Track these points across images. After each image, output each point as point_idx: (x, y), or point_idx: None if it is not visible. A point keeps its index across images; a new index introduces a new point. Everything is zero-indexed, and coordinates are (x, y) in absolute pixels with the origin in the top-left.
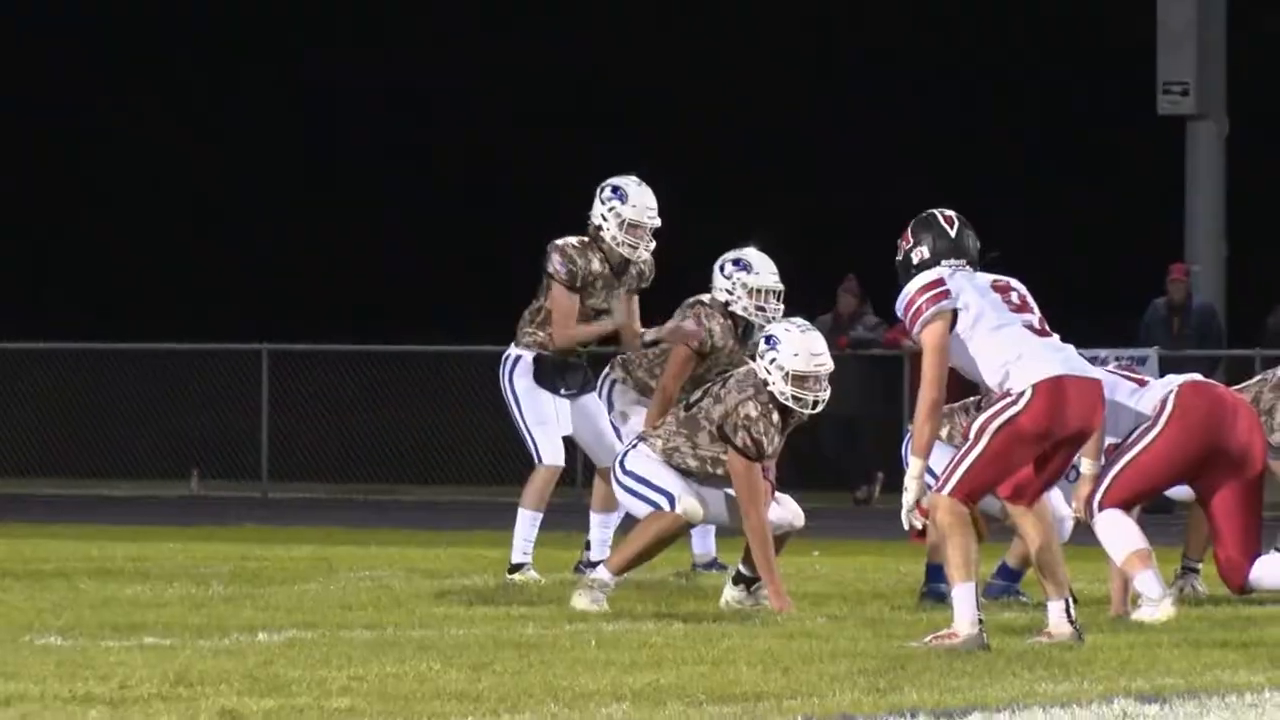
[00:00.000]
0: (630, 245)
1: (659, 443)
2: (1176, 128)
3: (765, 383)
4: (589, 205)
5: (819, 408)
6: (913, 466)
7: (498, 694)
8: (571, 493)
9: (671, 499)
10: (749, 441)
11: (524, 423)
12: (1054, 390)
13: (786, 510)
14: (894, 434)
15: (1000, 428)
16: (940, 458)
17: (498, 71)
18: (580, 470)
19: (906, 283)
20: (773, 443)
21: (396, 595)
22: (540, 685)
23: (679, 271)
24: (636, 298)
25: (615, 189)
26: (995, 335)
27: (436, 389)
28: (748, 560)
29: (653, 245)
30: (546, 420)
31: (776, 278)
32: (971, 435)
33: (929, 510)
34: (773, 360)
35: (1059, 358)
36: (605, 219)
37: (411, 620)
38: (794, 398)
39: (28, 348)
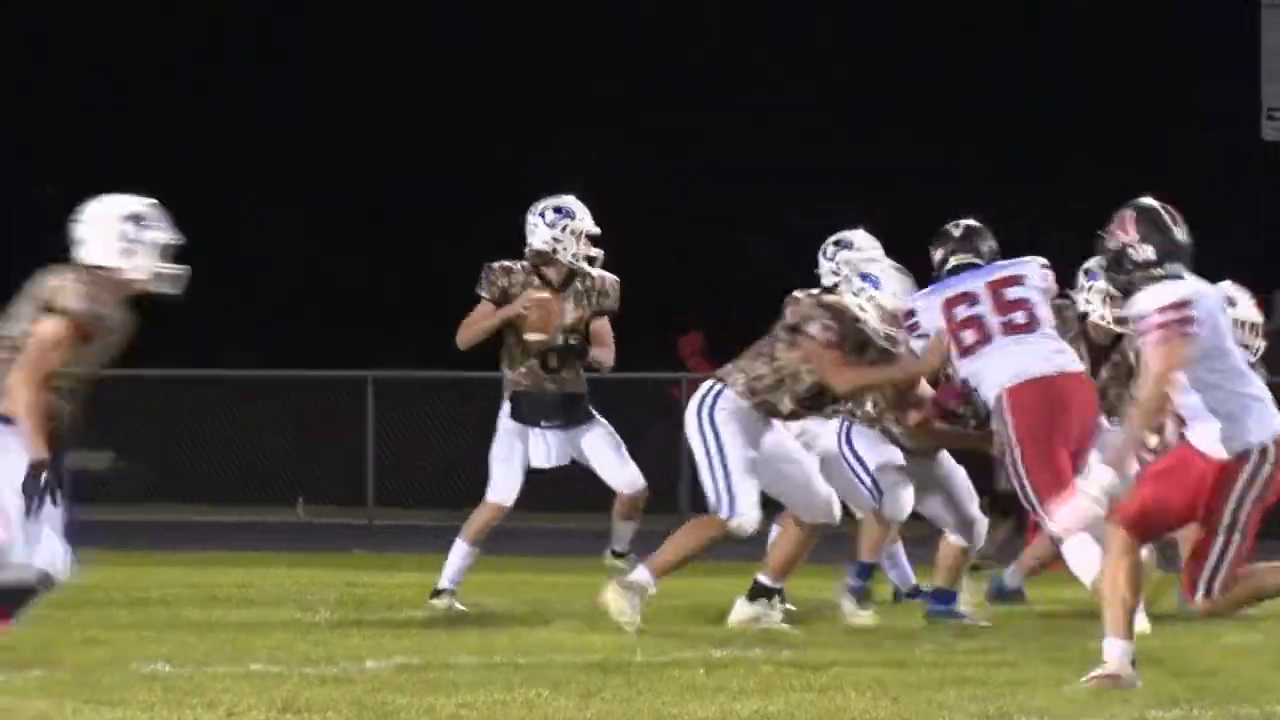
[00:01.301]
0: (589, 257)
1: (741, 378)
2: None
3: (855, 318)
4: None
5: (904, 346)
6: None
7: None
8: (673, 519)
9: (733, 509)
10: (820, 329)
11: (490, 456)
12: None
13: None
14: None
15: (1253, 509)
16: (865, 442)
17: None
18: (687, 495)
19: (1119, 277)
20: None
21: (503, 622)
22: (649, 712)
23: (699, 282)
24: (605, 319)
25: (559, 209)
26: (1214, 383)
27: None
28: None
29: (602, 255)
30: (504, 459)
31: (881, 252)
32: (1224, 532)
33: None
34: (870, 298)
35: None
36: (560, 239)
37: (519, 647)
38: (887, 336)
39: (139, 374)
